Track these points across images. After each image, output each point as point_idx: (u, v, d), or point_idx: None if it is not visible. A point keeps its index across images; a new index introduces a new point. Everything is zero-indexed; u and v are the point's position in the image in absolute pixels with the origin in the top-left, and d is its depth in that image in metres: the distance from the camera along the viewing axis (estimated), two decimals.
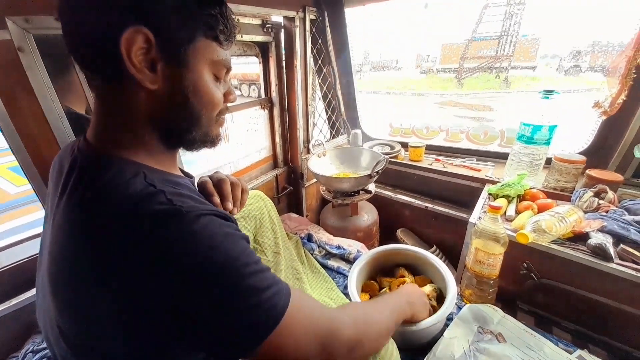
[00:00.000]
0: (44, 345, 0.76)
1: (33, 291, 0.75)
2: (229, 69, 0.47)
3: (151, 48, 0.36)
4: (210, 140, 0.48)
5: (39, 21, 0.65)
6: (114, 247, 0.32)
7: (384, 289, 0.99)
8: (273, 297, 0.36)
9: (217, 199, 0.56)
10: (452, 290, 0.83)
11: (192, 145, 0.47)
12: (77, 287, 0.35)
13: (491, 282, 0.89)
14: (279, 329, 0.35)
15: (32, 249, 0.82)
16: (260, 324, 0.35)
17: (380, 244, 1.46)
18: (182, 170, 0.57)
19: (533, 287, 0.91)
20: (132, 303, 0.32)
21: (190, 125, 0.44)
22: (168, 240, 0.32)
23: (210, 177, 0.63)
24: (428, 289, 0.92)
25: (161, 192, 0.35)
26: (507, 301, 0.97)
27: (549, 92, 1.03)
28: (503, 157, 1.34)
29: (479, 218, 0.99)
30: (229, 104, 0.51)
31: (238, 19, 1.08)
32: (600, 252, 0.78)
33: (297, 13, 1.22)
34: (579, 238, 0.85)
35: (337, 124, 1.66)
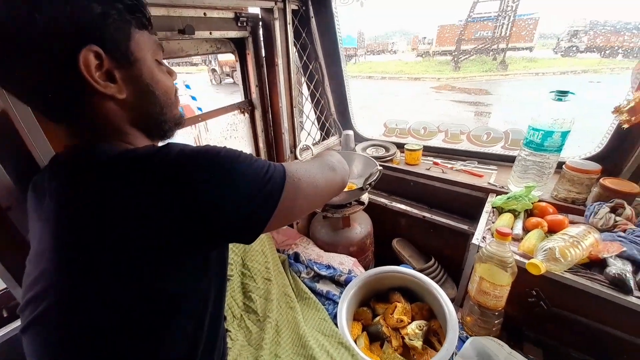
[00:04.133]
0: None
1: None
2: (163, 49, 0.49)
3: (103, 60, 0.37)
4: (179, 122, 0.50)
5: None
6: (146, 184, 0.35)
7: (378, 317, 0.90)
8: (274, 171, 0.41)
9: None
10: (452, 332, 0.74)
11: (170, 131, 0.49)
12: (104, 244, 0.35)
13: (496, 313, 0.80)
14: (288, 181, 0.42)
15: None
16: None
17: (375, 255, 1.37)
18: None
19: (542, 316, 0.82)
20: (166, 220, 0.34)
21: (163, 114, 0.46)
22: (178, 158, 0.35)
23: None
24: (412, 327, 0.83)
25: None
26: (513, 329, 0.89)
27: (562, 93, 0.91)
28: (507, 160, 1.22)
29: (484, 238, 0.89)
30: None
31: (205, 13, 0.93)
32: (619, 283, 0.69)
33: (275, 3, 1.07)
34: (595, 264, 0.76)
35: (327, 125, 1.53)
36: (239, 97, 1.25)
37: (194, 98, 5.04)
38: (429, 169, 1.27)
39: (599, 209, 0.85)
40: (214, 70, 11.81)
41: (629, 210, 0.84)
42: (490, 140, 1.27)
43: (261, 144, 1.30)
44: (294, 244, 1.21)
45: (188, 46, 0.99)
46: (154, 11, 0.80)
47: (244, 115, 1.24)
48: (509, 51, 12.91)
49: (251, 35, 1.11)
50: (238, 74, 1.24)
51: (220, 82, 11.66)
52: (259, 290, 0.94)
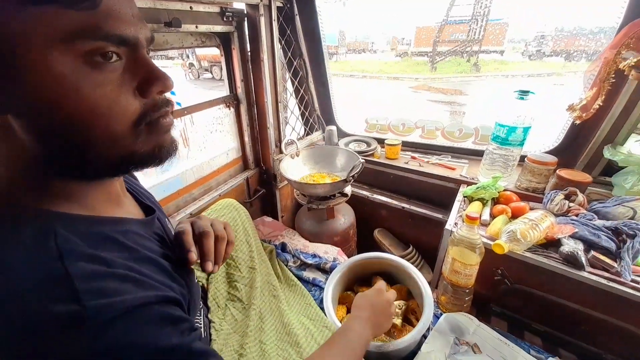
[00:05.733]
0: None
1: None
2: (127, 42, 0.29)
3: None
4: (143, 159, 0.33)
5: None
6: None
7: None
8: None
9: (194, 256, 0.45)
10: (428, 308, 0.80)
11: (115, 173, 0.34)
12: None
13: (467, 290, 0.88)
14: None
15: None
16: None
17: (358, 244, 1.43)
18: (138, 200, 0.47)
19: (506, 292, 0.90)
20: None
21: (81, 153, 0.29)
22: None
23: (192, 223, 0.50)
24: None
25: (66, 278, 0.25)
26: (482, 305, 0.97)
27: (524, 93, 0.99)
28: (477, 154, 1.32)
29: (455, 224, 0.96)
30: (167, 95, 0.34)
31: (191, 7, 0.94)
32: (572, 260, 0.78)
33: (261, 0, 1.09)
34: (551, 244, 0.85)
35: (311, 120, 1.57)
36: (217, 92, 1.26)
37: (172, 93, 4.89)
38: (407, 163, 1.34)
39: (554, 196, 0.95)
40: (191, 65, 11.44)
41: (581, 197, 0.94)
42: (462, 135, 1.35)
43: (246, 138, 1.31)
44: (280, 235, 1.24)
45: (173, 39, 0.99)
46: (140, 2, 0.80)
47: (230, 109, 1.25)
48: (482, 54, 13.49)
49: (237, 30, 1.12)
50: (217, 69, 1.25)
51: (199, 77, 11.31)
52: (243, 279, 0.95)
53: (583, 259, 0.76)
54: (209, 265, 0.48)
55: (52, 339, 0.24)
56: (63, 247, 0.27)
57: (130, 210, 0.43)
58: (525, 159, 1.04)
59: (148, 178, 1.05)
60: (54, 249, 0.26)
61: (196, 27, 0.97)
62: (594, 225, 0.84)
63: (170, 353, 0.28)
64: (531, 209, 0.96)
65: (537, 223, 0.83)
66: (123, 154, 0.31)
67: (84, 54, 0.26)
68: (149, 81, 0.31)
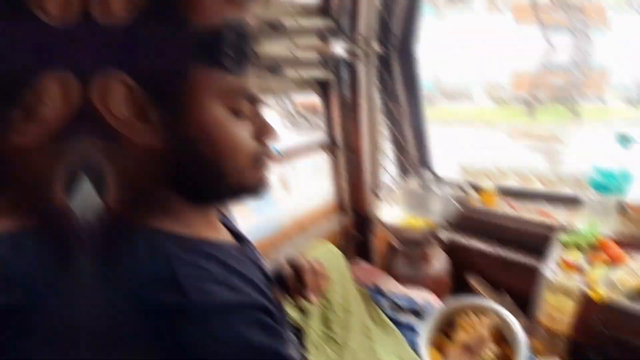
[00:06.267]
0: None
1: None
2: (254, 100, 0.41)
3: (134, 93, 0.32)
4: (248, 191, 0.44)
5: None
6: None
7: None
8: None
9: (313, 299, 0.60)
10: (523, 355, 0.90)
11: (225, 200, 0.45)
12: None
13: (562, 337, 0.98)
14: None
15: None
16: None
17: (451, 290, 1.56)
18: (232, 231, 0.55)
19: (604, 341, 0.96)
20: None
21: (211, 180, 0.41)
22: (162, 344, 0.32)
23: (290, 263, 0.63)
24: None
25: (174, 277, 0.33)
26: (578, 352, 1.04)
27: (626, 140, 1.11)
28: (575, 200, 1.40)
29: (552, 270, 1.09)
30: (269, 141, 0.45)
31: (293, 54, 1.10)
32: None
33: (361, 48, 1.26)
34: None
35: (407, 165, 1.72)
36: (314, 139, 1.46)
37: None
38: (502, 208, 1.48)
39: None
40: (288, 112, 11.93)
41: None
42: (560, 182, 1.56)
43: (343, 183, 1.51)
44: (375, 279, 1.43)
45: (274, 85, 1.15)
46: None
47: (327, 154, 1.47)
48: (582, 100, 12.62)
49: (336, 77, 1.30)
50: (312, 116, 1.52)
51: (294, 123, 11.82)
52: (339, 320, 1.08)
53: None
54: (311, 295, 0.59)
55: (161, 323, 0.32)
56: (171, 255, 0.35)
57: (226, 236, 0.51)
58: (627, 205, 1.14)
59: (246, 219, 1.23)
60: (163, 255, 0.35)
61: (297, 73, 1.15)
62: None
63: (260, 352, 0.35)
64: (632, 257, 1.06)
65: (636, 271, 0.95)
66: (239, 184, 0.42)
67: (231, 104, 0.38)
68: (263, 131, 0.43)
